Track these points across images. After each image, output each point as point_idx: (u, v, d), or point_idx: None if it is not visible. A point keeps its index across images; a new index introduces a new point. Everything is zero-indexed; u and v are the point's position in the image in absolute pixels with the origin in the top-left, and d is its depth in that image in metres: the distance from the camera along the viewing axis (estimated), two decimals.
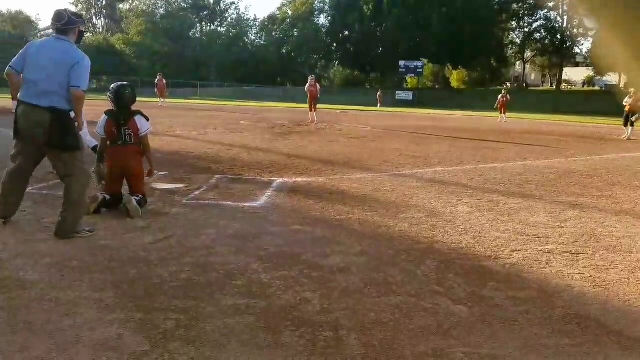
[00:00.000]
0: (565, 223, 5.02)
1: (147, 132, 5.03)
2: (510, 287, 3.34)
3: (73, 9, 78.23)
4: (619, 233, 4.74)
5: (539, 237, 4.48)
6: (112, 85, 5.02)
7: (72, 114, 4.01)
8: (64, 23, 4.01)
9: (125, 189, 4.97)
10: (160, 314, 2.77)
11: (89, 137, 6.63)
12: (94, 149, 6.30)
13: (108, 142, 4.96)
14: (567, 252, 4.10)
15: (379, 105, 39.55)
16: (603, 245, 4.34)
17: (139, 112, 5.01)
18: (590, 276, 3.57)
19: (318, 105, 19.22)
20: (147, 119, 5.08)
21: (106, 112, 4.97)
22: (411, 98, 48.07)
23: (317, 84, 19.09)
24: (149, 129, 5.08)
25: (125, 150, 4.90)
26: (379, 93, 42.29)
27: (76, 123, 4.06)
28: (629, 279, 3.54)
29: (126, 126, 4.88)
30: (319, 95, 18.90)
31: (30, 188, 5.05)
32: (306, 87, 18.82)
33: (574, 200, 6.09)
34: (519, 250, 4.09)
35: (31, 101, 3.94)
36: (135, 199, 4.72)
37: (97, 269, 3.41)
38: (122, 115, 4.89)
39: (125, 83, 5.16)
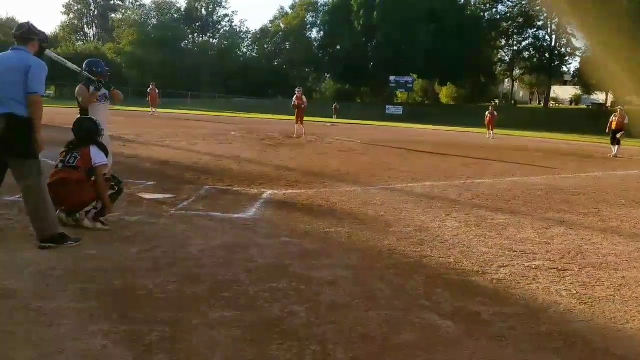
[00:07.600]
0: (551, 239, 5.06)
1: (101, 165, 4.60)
2: (496, 302, 3.35)
3: (64, 17, 76.66)
4: (605, 250, 4.79)
5: (525, 253, 4.51)
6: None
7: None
8: (23, 32, 4.07)
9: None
10: (144, 325, 2.73)
11: None
12: None
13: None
14: (553, 268, 4.13)
15: (334, 117, 39.25)
16: (589, 262, 4.37)
17: (97, 143, 4.69)
18: (576, 292, 3.60)
19: (305, 118, 19.18)
20: (106, 153, 4.75)
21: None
22: (401, 112, 48.40)
23: (304, 97, 19.02)
24: (104, 162, 4.64)
25: (61, 172, 4.52)
26: (334, 105, 42.40)
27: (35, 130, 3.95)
28: (614, 296, 3.57)
29: (76, 150, 4.60)
30: (303, 105, 18.71)
31: (17, 196, 5.00)
32: (293, 99, 18.74)
33: (560, 217, 6.14)
34: (505, 266, 4.11)
35: None
36: (93, 211, 4.56)
37: (81, 278, 3.36)
38: (77, 142, 4.67)
39: (87, 117, 5.10)
